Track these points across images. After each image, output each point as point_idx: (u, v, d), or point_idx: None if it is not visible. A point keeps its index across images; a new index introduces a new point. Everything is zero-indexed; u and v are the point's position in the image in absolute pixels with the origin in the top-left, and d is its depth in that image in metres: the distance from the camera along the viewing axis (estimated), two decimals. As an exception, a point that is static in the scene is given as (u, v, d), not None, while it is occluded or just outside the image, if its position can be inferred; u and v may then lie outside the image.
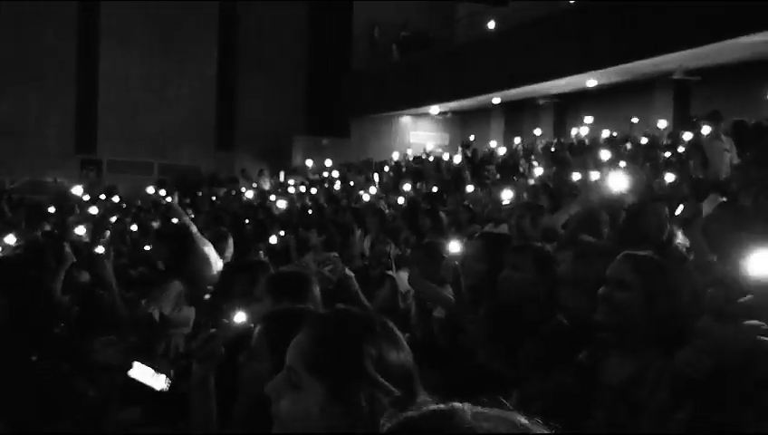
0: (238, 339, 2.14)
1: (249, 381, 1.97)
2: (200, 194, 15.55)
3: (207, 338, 2.10)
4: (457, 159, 14.68)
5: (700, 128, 8.12)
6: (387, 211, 8.77)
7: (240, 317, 2.18)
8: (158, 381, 2.35)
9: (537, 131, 15.64)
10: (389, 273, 4.88)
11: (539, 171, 10.53)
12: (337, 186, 14.37)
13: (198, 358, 2.11)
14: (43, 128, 19.78)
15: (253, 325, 2.07)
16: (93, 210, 10.68)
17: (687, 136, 10.52)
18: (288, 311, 2.03)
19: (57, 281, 4.40)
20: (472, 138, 16.70)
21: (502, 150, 14.98)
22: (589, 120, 14.21)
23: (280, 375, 1.41)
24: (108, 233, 7.75)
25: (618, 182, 4.34)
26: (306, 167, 18.56)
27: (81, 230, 6.50)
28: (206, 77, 21.71)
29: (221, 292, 3.84)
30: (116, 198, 14.39)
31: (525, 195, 7.89)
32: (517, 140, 15.66)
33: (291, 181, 16.49)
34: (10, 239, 5.52)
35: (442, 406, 0.86)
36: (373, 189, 11.83)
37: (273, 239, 6.71)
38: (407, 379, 1.39)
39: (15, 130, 19.23)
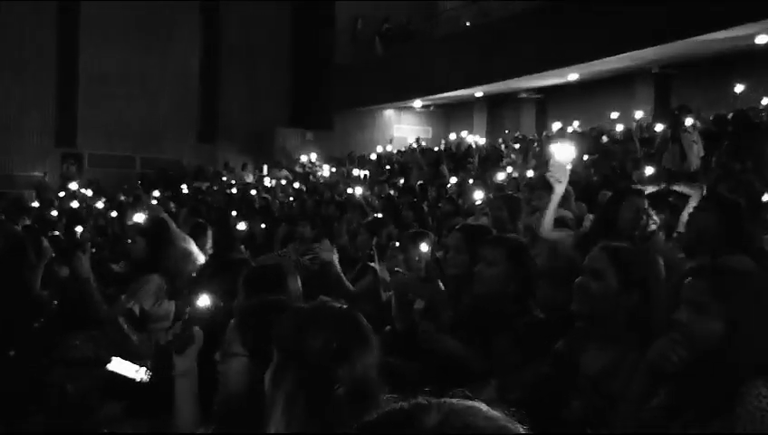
0: (213, 335, 2.13)
1: (226, 376, 1.97)
2: (183, 187, 15.45)
3: (182, 328, 2.11)
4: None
5: (681, 122, 8.23)
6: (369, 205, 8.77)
7: (204, 301, 2.19)
8: (137, 374, 2.35)
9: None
10: (372, 264, 4.88)
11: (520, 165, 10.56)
12: (317, 176, 14.32)
13: (177, 349, 2.10)
14: (24, 122, 19.53)
15: (216, 306, 2.10)
16: (74, 204, 10.61)
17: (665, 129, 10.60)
18: (261, 304, 2.03)
19: (36, 276, 4.37)
20: (464, 133, 16.70)
21: (482, 141, 15.02)
22: (557, 124, 14.31)
23: None
24: (86, 227, 7.69)
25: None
26: (298, 158, 18.54)
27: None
28: (189, 70, 21.53)
29: (203, 290, 3.82)
30: (94, 192, 14.29)
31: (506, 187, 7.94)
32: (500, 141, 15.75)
33: (275, 173, 16.46)
34: None
35: (405, 404, 0.84)
36: (359, 187, 11.81)
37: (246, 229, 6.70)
38: (370, 377, 1.43)
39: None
